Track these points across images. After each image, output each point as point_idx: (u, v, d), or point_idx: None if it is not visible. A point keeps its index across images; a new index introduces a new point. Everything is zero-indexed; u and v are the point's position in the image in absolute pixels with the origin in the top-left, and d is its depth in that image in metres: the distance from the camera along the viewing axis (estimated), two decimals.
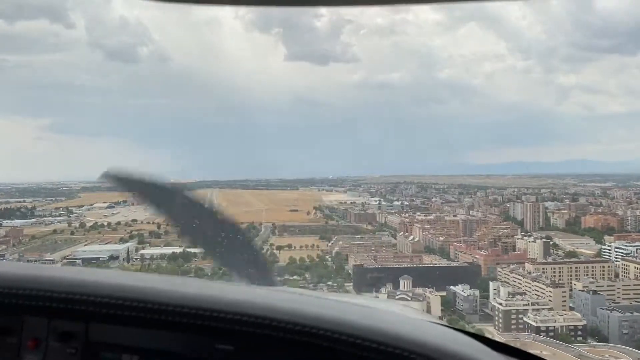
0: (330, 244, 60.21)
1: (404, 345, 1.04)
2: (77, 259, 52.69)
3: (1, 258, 54.23)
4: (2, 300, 1.24)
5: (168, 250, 55.95)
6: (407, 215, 72.09)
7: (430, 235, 58.86)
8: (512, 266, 45.40)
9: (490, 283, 42.24)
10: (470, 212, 76.71)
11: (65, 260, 53.29)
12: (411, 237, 57.68)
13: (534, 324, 36.33)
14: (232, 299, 1.16)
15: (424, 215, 69.54)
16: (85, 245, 59.34)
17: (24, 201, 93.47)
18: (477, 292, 41.31)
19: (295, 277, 49.60)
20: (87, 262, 52.66)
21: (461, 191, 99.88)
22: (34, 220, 76.17)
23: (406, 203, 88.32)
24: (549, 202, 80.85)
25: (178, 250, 56.15)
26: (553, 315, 37.05)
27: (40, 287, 1.24)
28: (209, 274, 51.92)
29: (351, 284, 46.60)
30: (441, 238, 57.19)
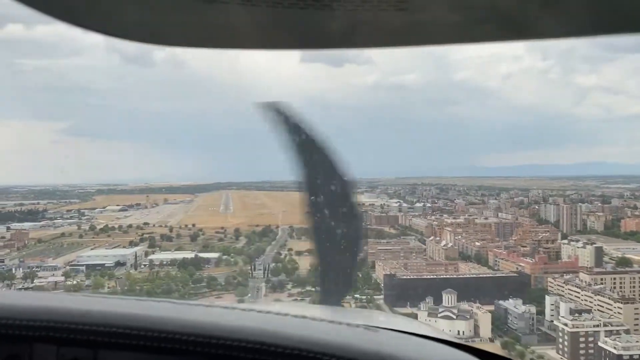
0: None
1: None
2: (80, 265, 46.25)
3: (1, 264, 47.98)
4: (13, 332, 1.21)
5: (179, 256, 49.26)
6: (433, 217, 64.77)
7: (463, 240, 51.51)
8: (567, 276, 38.08)
9: (547, 297, 34.91)
10: (499, 214, 69.43)
11: (68, 267, 46.97)
12: (443, 242, 50.36)
13: (614, 350, 28.12)
14: (234, 326, 1.15)
15: (453, 218, 62.18)
16: (92, 249, 52.87)
17: (38, 203, 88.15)
18: (533, 309, 33.94)
19: (318, 287, 42.54)
20: (92, 268, 46.19)
21: (483, 193, 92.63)
22: (43, 222, 70.15)
23: (428, 205, 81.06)
24: (578, 204, 73.56)
25: (190, 255, 49.43)
26: (638, 341, 28.78)
27: (50, 318, 1.22)
28: (223, 283, 45.22)
29: (381, 296, 39.65)
30: (477, 243, 49.78)
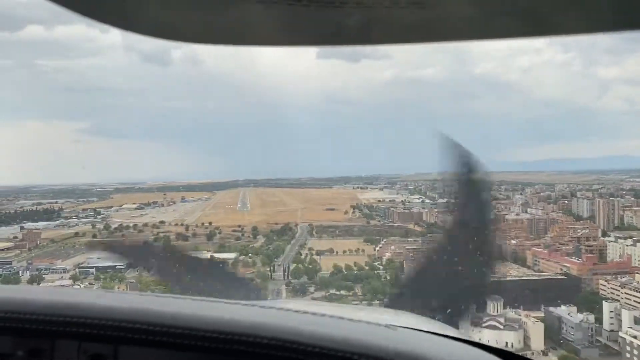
0: (378, 248, 48.36)
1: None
2: (90, 267, 42.45)
3: (8, 266, 44.40)
4: (36, 327, 1.21)
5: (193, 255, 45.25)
6: None
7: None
8: (623, 278, 32.92)
9: (605, 304, 29.83)
10: (527, 209, 64.25)
11: (77, 269, 43.27)
12: None
13: None
14: (254, 322, 1.13)
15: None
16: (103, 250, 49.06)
17: (56, 202, 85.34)
18: (591, 318, 28.90)
19: (342, 291, 38.04)
20: (102, 270, 42.39)
21: (506, 188, 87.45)
22: (57, 222, 66.88)
23: (452, 200, 76.07)
24: (611, 198, 68.10)
25: (205, 256, 45.32)
26: None
27: (72, 314, 1.21)
28: None
29: None
30: (513, 241, 44.79)
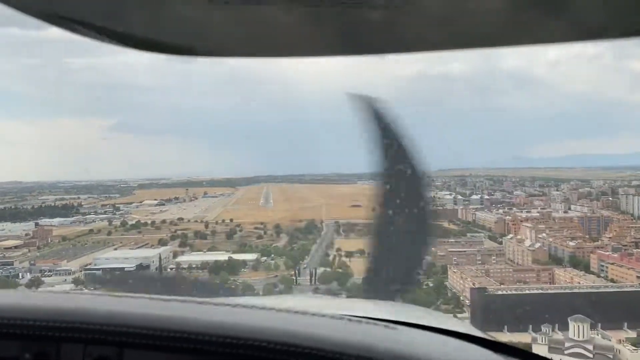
0: None
1: None
2: (97, 269, 36.92)
3: (9, 267, 39.11)
4: (40, 332, 1.20)
5: (211, 257, 39.19)
6: (501, 211, 52.45)
7: (551, 239, 39.32)
8: None
9: None
10: (571, 207, 56.63)
11: (82, 271, 37.77)
12: (528, 242, 38.33)
13: None
14: (258, 326, 1.11)
15: (527, 212, 49.74)
16: (115, 249, 43.55)
17: (78, 198, 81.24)
18: None
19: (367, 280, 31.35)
20: (110, 273, 36.78)
21: (541, 184, 79.63)
22: (74, 218, 61.94)
23: (486, 197, 68.70)
24: None
25: (223, 257, 39.26)
26: None
27: (76, 319, 1.20)
28: (261, 293, 34.82)
29: (465, 314, 28.38)
30: (571, 243, 37.59)
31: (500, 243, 41.50)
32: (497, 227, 47.18)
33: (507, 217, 46.61)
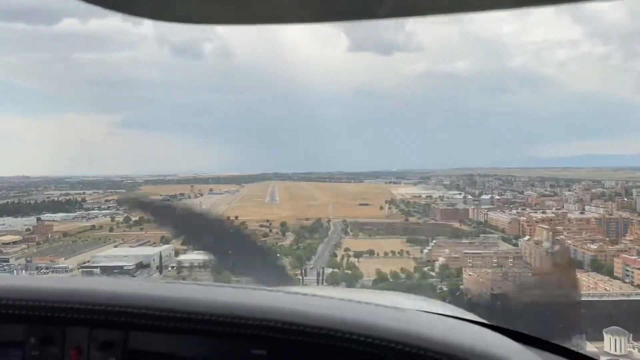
0: (426, 251, 39.30)
1: (437, 348, 0.95)
2: (94, 266, 34.92)
3: (5, 263, 37.18)
4: (46, 314, 1.18)
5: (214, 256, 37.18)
6: (514, 212, 50.01)
7: (569, 242, 36.86)
8: None
9: None
10: (585, 207, 54.08)
11: (80, 269, 35.81)
12: (546, 244, 35.90)
13: None
14: (265, 306, 1.10)
15: (542, 212, 47.23)
16: (115, 246, 41.55)
17: (83, 193, 79.73)
18: None
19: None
20: (108, 271, 34.77)
21: (551, 184, 76.99)
22: (77, 214, 60.14)
23: (496, 197, 66.21)
24: None
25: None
26: None
27: (81, 300, 1.18)
28: None
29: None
30: (592, 246, 35.12)
31: (516, 245, 39.08)
32: (511, 228, 44.72)
33: (522, 217, 44.10)
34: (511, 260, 34.24)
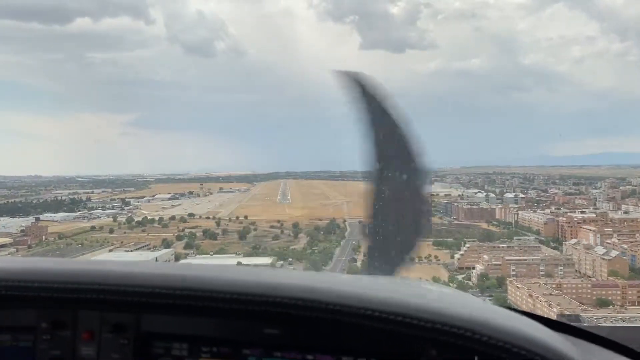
0: (458, 256, 33.40)
1: (460, 324, 0.91)
2: None
3: None
4: (58, 295, 1.14)
5: (218, 262, 31.77)
6: (547, 211, 43.86)
7: (626, 246, 30.74)
8: None
9: None
10: (622, 206, 47.82)
11: None
12: (601, 250, 29.80)
13: None
14: (277, 283, 1.05)
15: (581, 212, 41.07)
16: (110, 250, 36.32)
17: (92, 192, 75.33)
18: None
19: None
20: None
21: (574, 182, 70.56)
22: (78, 213, 55.14)
23: (521, 195, 60.08)
24: None
25: (232, 262, 31.56)
26: None
27: (93, 281, 1.13)
28: None
29: None
30: None
31: (557, 249, 33.08)
32: (547, 229, 38.61)
33: (560, 218, 37.96)
34: (561, 268, 28.25)
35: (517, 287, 24.95)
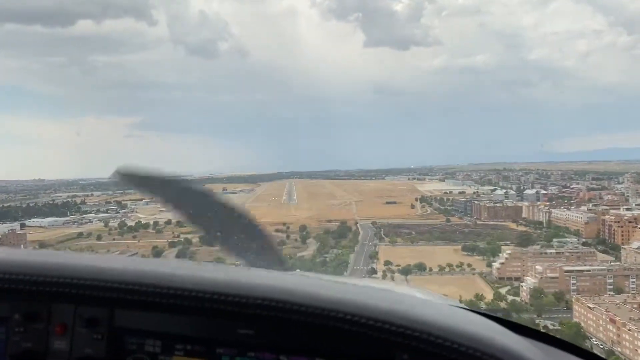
0: (497, 265, 26.99)
1: (426, 328, 0.86)
2: None
3: None
4: (31, 288, 1.08)
5: None
6: (584, 208, 37.47)
7: None
8: None
9: None
10: None
11: None
12: None
13: None
14: (253, 284, 1.00)
15: (626, 209, 34.63)
16: None
17: (92, 195, 69.62)
18: None
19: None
20: None
21: (593, 177, 64.11)
22: (68, 218, 49.20)
23: (543, 192, 53.71)
24: None
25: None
26: None
27: (68, 275, 1.07)
28: None
29: None
30: None
31: (606, 252, 26.76)
32: (589, 229, 32.25)
33: (606, 216, 31.51)
34: (633, 280, 21.86)
35: (589, 307, 18.59)
